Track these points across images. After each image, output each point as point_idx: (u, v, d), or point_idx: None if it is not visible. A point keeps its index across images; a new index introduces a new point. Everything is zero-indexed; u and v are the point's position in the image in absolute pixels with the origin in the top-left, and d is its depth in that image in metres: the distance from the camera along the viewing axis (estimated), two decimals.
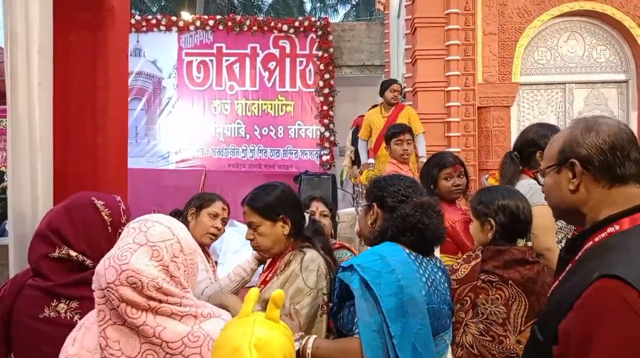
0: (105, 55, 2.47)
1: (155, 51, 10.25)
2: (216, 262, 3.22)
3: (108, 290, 1.15)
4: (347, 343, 1.53)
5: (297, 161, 10.10)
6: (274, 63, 10.21)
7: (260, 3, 23.33)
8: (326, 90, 10.08)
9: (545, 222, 2.15)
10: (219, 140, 10.25)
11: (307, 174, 8.76)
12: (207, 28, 10.23)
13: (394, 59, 9.54)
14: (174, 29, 10.23)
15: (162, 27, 10.22)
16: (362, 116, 7.07)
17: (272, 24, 10.24)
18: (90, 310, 1.27)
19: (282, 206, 1.89)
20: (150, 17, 10.58)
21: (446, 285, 1.73)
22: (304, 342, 1.56)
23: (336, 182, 8.30)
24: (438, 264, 1.74)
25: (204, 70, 10.27)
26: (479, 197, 2.07)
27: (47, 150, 2.03)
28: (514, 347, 1.80)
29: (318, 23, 10.29)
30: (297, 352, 1.51)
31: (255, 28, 10.14)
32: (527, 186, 2.38)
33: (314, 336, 1.60)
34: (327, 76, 10.08)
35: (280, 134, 10.23)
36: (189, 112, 10.26)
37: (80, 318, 1.38)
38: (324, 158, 10.04)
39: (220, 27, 10.20)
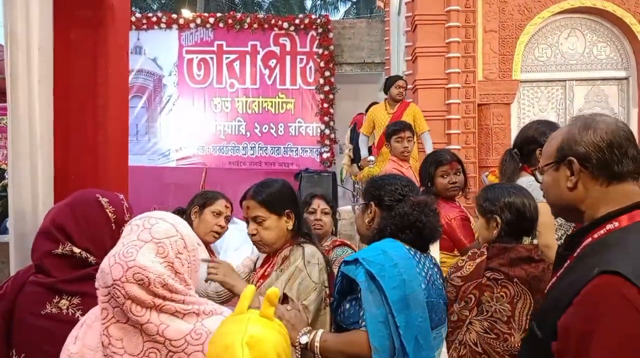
0: (105, 53, 2.46)
1: (156, 49, 10.25)
2: None
3: (114, 287, 1.14)
4: (354, 335, 1.56)
5: (298, 158, 10.11)
6: (274, 61, 10.20)
7: (260, 1, 23.28)
8: (326, 88, 10.08)
9: (545, 220, 2.15)
10: (219, 138, 10.25)
11: (308, 171, 8.76)
12: (208, 26, 10.22)
13: (394, 56, 9.53)
14: (175, 26, 10.22)
15: (163, 25, 10.22)
16: (361, 114, 7.07)
17: (273, 21, 10.23)
18: (93, 307, 1.27)
19: (287, 201, 1.93)
20: (150, 14, 10.55)
21: (441, 280, 1.78)
22: (312, 335, 1.58)
23: (336, 179, 8.30)
24: (433, 261, 1.78)
25: (205, 68, 10.26)
26: (484, 194, 2.05)
27: (47, 148, 2.02)
28: (519, 345, 1.77)
29: (318, 20, 10.28)
30: (306, 345, 1.56)
31: (255, 26, 10.13)
32: (526, 183, 2.37)
33: (321, 330, 1.62)
34: (327, 74, 10.07)
35: (281, 131, 10.23)
36: (190, 110, 10.26)
37: (82, 315, 1.38)
38: (325, 155, 10.05)
39: (221, 24, 10.19)
